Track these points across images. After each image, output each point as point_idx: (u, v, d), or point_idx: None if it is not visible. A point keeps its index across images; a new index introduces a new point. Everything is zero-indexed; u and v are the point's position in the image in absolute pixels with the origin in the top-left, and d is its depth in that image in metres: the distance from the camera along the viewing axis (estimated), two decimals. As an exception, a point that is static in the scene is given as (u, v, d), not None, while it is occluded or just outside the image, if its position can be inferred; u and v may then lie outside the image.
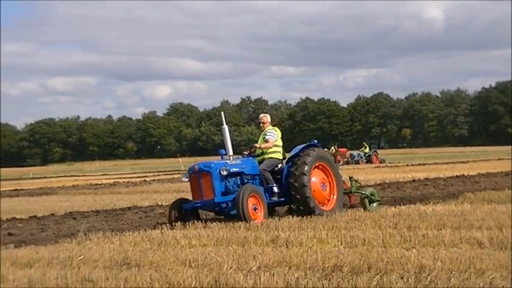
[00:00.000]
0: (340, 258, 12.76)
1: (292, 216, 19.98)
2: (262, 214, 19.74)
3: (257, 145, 21.74)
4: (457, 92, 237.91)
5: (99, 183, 57.41)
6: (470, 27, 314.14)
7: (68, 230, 20.87)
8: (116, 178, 69.30)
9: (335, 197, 21.79)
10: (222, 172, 20.13)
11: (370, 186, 26.38)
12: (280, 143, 21.92)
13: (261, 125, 22.38)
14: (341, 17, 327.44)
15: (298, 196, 20.60)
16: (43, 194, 45.45)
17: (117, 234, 18.47)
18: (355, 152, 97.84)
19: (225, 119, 22.50)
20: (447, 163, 73.67)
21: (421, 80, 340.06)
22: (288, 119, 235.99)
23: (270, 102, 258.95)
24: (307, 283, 10.72)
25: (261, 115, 22.87)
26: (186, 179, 20.94)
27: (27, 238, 19.46)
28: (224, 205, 20.02)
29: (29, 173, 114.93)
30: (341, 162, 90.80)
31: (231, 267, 12.49)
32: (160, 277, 11.89)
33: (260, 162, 21.46)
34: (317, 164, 21.48)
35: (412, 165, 73.10)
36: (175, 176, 62.79)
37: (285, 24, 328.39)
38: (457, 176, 42.34)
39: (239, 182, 20.70)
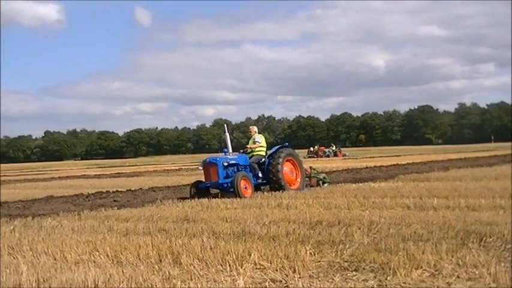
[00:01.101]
0: (321, 216, 12.72)
1: (274, 191, 20.28)
2: (250, 191, 19.71)
3: (248, 146, 22.15)
4: (393, 111, 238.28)
5: (170, 169, 57.39)
6: (401, 72, 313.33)
7: (150, 198, 20.81)
8: (180, 166, 69.25)
9: (299, 180, 21.95)
10: (224, 163, 20.51)
11: (323, 172, 26.02)
12: (264, 144, 22.22)
13: (250, 133, 22.87)
14: (320, 65, 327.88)
15: (274, 178, 20.94)
16: (135, 175, 45.44)
17: (180, 201, 18.43)
18: (326, 150, 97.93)
19: (227, 129, 23.38)
20: (388, 156, 73.52)
21: (370, 104, 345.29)
22: (288, 128, 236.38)
23: (276, 118, 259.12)
24: (300, 232, 10.69)
25: (250, 127, 23.54)
26: (201, 168, 21.30)
27: (125, 203, 19.42)
28: (226, 185, 20.05)
29: (126, 163, 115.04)
30: (322, 155, 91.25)
31: (252, 222, 12.46)
32: (208, 228, 11.88)
33: (251, 157, 21.76)
34: (288, 159, 21.75)
35: (365, 157, 73.02)
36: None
37: (286, 70, 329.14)
38: (393, 164, 42.15)
39: (236, 170, 20.86)
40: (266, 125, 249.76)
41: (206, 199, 18.46)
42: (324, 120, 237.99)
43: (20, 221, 14.91)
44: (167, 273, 7.92)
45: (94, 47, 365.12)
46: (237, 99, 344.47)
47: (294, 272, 7.76)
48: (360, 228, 10.89)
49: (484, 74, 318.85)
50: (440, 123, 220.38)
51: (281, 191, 20.04)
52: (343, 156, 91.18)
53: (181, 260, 8.63)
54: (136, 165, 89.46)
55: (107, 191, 25.07)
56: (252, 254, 8.64)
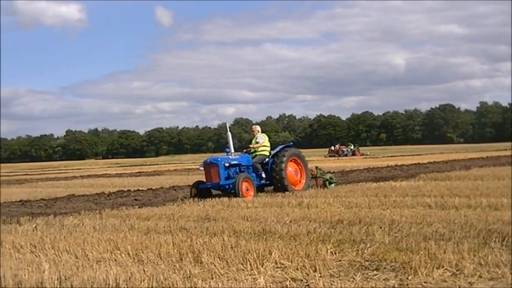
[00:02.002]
0: (342, 215, 12.71)
1: (277, 192, 20.05)
2: (252, 193, 19.36)
3: (251, 146, 21.72)
4: (414, 110, 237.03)
5: (190, 168, 57.45)
6: (421, 70, 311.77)
7: (171, 197, 20.88)
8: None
9: (304, 180, 21.50)
10: (225, 164, 20.10)
11: (330, 172, 25.42)
12: (268, 144, 21.77)
13: (252, 133, 22.56)
14: (340, 64, 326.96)
15: (277, 179, 20.53)
16: (156, 174, 45.58)
17: (201, 200, 18.47)
18: (344, 149, 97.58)
19: (229, 129, 22.64)
20: (408, 155, 73.29)
21: (391, 103, 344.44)
22: (308, 127, 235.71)
23: (297, 117, 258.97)
24: (321, 231, 10.68)
25: (253, 127, 23.18)
26: (202, 168, 20.92)
27: (146, 202, 19.49)
28: (227, 186, 19.72)
29: (147, 162, 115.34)
30: (340, 154, 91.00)
31: (272, 221, 12.47)
32: (229, 226, 11.90)
33: (254, 157, 21.30)
34: (292, 159, 21.31)
35: (386, 156, 72.83)
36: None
37: (305, 68, 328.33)
38: (414, 163, 42.06)
39: (238, 171, 20.45)
40: (287, 124, 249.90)
41: (227, 198, 18.48)
42: (344, 119, 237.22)
43: (42, 220, 15.00)
44: (188, 271, 7.93)
45: (115, 47, 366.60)
46: (257, 98, 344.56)
47: (315, 271, 7.75)
48: (380, 227, 10.86)
49: (504, 73, 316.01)
50: (462, 122, 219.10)
51: (285, 192, 19.73)
52: (361, 155, 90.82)
53: (202, 259, 8.64)
54: (157, 164, 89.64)
55: (128, 190, 25.18)
56: (273, 253, 8.64)
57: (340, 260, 8.30)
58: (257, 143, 21.63)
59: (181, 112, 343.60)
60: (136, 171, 56.16)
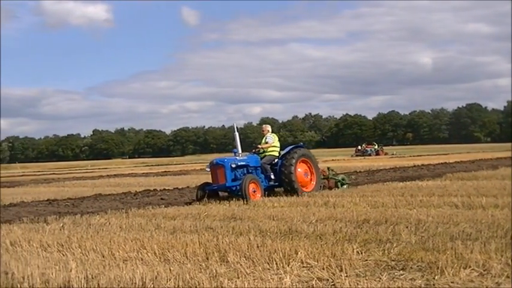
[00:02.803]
0: (368, 215, 12.67)
1: (286, 195, 19.22)
2: (260, 195, 18.78)
3: (260, 146, 21.10)
4: (441, 109, 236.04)
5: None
6: (448, 69, 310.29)
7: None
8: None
9: (314, 182, 20.90)
10: (231, 165, 19.46)
11: (342, 173, 25.17)
12: (277, 144, 21.09)
13: (262, 132, 21.75)
14: (366, 63, 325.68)
15: (287, 180, 19.92)
16: (182, 174, 45.72)
17: (227, 200, 18.49)
18: (368, 148, 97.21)
19: (236, 129, 21.86)
20: (435, 155, 72.95)
21: (417, 102, 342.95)
22: (334, 127, 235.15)
23: (323, 117, 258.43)
24: (347, 230, 10.66)
25: (263, 126, 22.11)
26: (208, 169, 20.32)
27: (173, 201, 19.57)
28: (234, 188, 19.04)
29: (173, 161, 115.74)
30: (383, 154, 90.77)
31: (298, 220, 12.46)
32: (255, 226, 11.90)
33: (263, 157, 20.69)
34: (302, 159, 20.70)
35: (412, 156, 72.58)
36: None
37: (331, 68, 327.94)
38: (441, 163, 41.86)
39: (245, 172, 19.87)
40: (313, 123, 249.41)
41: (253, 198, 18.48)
42: (370, 119, 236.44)
43: (69, 219, 15.11)
44: (214, 271, 7.94)
45: (141, 46, 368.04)
46: (283, 98, 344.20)
47: (341, 270, 7.73)
48: (407, 227, 10.82)
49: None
50: (489, 121, 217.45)
51: (294, 195, 19.19)
52: (385, 154, 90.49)
53: (228, 258, 8.66)
54: (183, 164, 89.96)
55: (154, 189, 25.29)
56: (299, 253, 8.63)
57: (366, 260, 8.28)
58: (266, 143, 21.05)
59: (208, 111, 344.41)
60: (163, 170, 56.36)
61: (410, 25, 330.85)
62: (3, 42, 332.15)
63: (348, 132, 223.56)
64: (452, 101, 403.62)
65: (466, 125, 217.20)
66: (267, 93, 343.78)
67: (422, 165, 39.35)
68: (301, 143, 22.31)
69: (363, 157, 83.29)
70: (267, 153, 20.79)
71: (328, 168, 22.81)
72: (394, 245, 9.06)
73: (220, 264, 8.45)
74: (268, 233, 10.96)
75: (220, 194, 19.85)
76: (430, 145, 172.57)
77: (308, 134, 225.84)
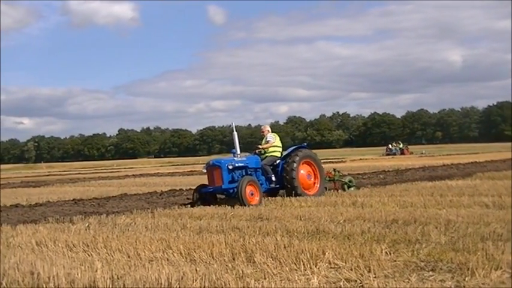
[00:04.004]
0: (396, 215, 12.62)
1: (289, 197, 18.68)
2: (258, 198, 17.94)
3: (260, 146, 20.39)
4: (470, 108, 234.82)
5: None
6: (478, 67, 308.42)
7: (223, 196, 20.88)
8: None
9: (318, 185, 20.11)
10: (228, 166, 18.73)
11: (349, 175, 24.32)
12: (279, 144, 20.45)
13: (262, 133, 21.09)
14: (394, 61, 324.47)
15: (289, 185, 19.28)
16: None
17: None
18: (392, 147, 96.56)
19: (234, 128, 20.89)
20: (465, 154, 72.50)
21: (446, 101, 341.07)
22: (362, 126, 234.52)
23: (351, 115, 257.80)
24: (375, 231, 10.62)
25: (262, 127, 21.63)
26: (205, 171, 19.52)
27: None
28: (231, 191, 18.31)
29: (199, 161, 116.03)
30: (409, 153, 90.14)
31: (326, 220, 12.44)
32: (282, 226, 11.90)
33: (264, 158, 19.94)
34: (305, 161, 20.03)
35: (442, 155, 72.20)
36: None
37: (359, 66, 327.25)
38: (471, 162, 41.61)
39: (244, 174, 19.08)
40: (340, 122, 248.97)
41: (280, 197, 18.48)
42: (399, 117, 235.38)
43: (95, 219, 15.19)
44: (240, 271, 7.94)
45: (168, 45, 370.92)
46: (310, 96, 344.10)
47: (369, 271, 7.70)
48: (436, 227, 10.76)
49: None
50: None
51: (298, 196, 18.70)
52: (410, 154, 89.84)
53: (255, 259, 8.66)
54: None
55: (180, 189, 25.34)
56: (327, 253, 8.62)
57: (395, 261, 8.25)
58: (267, 142, 20.40)
59: (234, 110, 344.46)
60: (189, 170, 56.44)
61: (439, 22, 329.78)
62: (30, 42, 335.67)
63: (376, 131, 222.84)
64: (482, 99, 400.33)
65: (497, 123, 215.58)
66: (294, 92, 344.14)
67: (452, 164, 39.12)
68: (304, 143, 21.89)
69: (391, 156, 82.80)
70: (268, 154, 20.17)
71: (334, 169, 22.17)
72: (424, 245, 9.02)
73: (247, 265, 8.45)
74: (295, 233, 10.95)
75: (219, 197, 19.33)
76: (460, 144, 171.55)
77: (335, 133, 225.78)
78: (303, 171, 19.87)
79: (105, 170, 74.70)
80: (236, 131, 20.41)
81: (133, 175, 47.99)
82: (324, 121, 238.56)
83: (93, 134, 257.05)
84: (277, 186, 19.68)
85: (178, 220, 13.99)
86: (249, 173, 19.34)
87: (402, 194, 17.88)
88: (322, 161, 21.98)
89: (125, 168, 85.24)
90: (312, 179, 20.15)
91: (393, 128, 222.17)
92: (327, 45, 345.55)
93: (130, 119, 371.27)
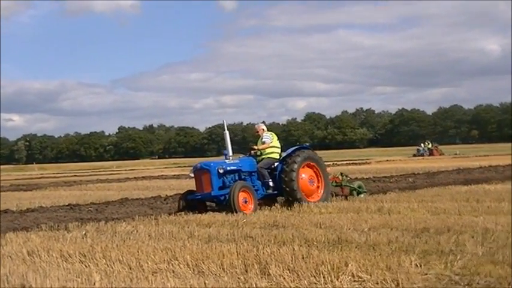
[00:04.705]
0: (427, 223, 12.62)
1: (288, 206, 18.24)
2: (252, 206, 17.63)
3: (255, 147, 19.70)
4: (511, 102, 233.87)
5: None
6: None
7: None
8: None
9: (322, 191, 19.49)
10: (219, 170, 18.31)
11: (358, 179, 24.41)
12: (277, 144, 19.87)
13: (257, 133, 20.40)
14: (423, 52, 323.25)
15: (287, 189, 18.49)
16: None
17: (268, 205, 18.50)
18: (420, 147, 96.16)
19: (226, 126, 20.20)
20: (504, 154, 72.25)
21: (483, 95, 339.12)
22: (389, 123, 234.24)
23: (376, 112, 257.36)
24: (404, 240, 10.62)
25: (256, 126, 21.00)
26: (192, 175, 19.24)
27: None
28: (222, 197, 18.04)
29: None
30: (439, 154, 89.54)
31: (349, 228, 12.46)
32: (299, 234, 11.91)
33: (260, 161, 19.38)
34: (307, 163, 19.29)
35: (478, 156, 72.06)
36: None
37: (384, 57, 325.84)
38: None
39: (237, 178, 18.64)
40: (364, 119, 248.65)
41: (297, 203, 18.47)
42: (429, 114, 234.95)
43: (92, 226, 15.25)
44: (254, 285, 7.96)
45: (171, 34, 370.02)
46: (330, 91, 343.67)
47: (397, 285, 7.71)
48: (472, 237, 10.75)
49: None
50: None
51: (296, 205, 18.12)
52: (440, 155, 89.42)
53: (270, 271, 8.67)
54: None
55: (186, 193, 25.34)
56: (349, 265, 8.61)
57: (426, 274, 8.24)
58: (263, 143, 19.68)
59: (246, 106, 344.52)
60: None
61: (473, 8, 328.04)
62: (20, 31, 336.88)
63: (404, 129, 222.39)
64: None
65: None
66: (312, 86, 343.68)
67: (490, 166, 39.03)
68: (306, 144, 21.28)
69: (423, 157, 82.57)
70: (264, 156, 19.55)
71: (341, 173, 21.74)
72: (458, 257, 9.01)
73: (261, 278, 8.46)
74: (314, 243, 10.97)
75: (209, 204, 19.05)
76: (499, 143, 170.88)
77: (359, 132, 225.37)
78: (305, 176, 19.25)
79: (103, 172, 74.86)
80: (228, 129, 20.03)
81: (134, 178, 48.11)
82: (346, 118, 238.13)
83: (90, 133, 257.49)
84: (275, 192, 19.21)
85: (185, 228, 14.03)
86: (243, 177, 18.87)
87: (434, 199, 17.87)
88: (344, 162, 22.02)
89: (125, 170, 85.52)
90: (315, 184, 19.55)
91: (423, 126, 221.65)
92: (348, 34, 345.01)
93: (131, 115, 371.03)
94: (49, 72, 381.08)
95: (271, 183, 19.02)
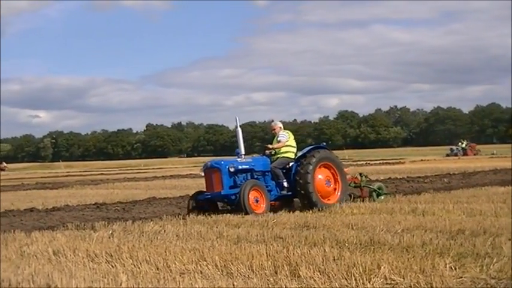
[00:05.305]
0: (463, 224, 12.56)
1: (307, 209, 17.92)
2: (264, 205, 17.55)
3: (270, 146, 19.49)
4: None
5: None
6: None
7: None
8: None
9: (339, 192, 19.10)
10: (230, 169, 18.14)
11: (378, 181, 24.02)
12: (293, 143, 19.50)
13: (273, 131, 20.08)
14: (462, 48, 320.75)
15: (302, 192, 18.10)
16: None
17: (299, 205, 18.49)
18: (454, 147, 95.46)
19: (238, 123, 20.24)
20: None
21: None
22: (424, 122, 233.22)
23: (411, 110, 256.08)
24: (438, 242, 10.58)
25: (272, 124, 20.73)
26: (202, 173, 19.01)
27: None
28: (233, 197, 17.76)
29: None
30: (473, 154, 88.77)
31: (381, 230, 12.42)
32: (330, 235, 11.90)
33: (275, 160, 19.12)
34: (323, 163, 18.91)
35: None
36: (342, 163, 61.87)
37: (421, 53, 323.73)
38: (551, 165, 41.15)
39: (249, 178, 18.45)
40: (399, 117, 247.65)
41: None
42: (467, 112, 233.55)
43: (119, 225, 15.31)
44: (283, 286, 7.97)
45: (202, 30, 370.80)
46: (364, 88, 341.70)
47: (431, 288, 7.68)
48: (509, 239, 10.68)
49: None
50: None
51: (313, 209, 17.70)
52: (474, 154, 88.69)
53: (300, 272, 8.67)
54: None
55: (215, 193, 25.38)
56: (382, 267, 8.60)
57: (461, 277, 8.20)
58: (279, 142, 19.43)
59: (278, 104, 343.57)
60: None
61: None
62: (48, 25, 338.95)
63: (439, 128, 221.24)
64: None
65: None
66: (346, 83, 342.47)
67: (529, 166, 38.73)
68: (323, 143, 20.86)
69: (457, 157, 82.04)
70: (279, 155, 19.28)
71: (360, 174, 21.41)
72: (494, 260, 8.96)
73: (291, 280, 8.47)
74: (346, 244, 10.95)
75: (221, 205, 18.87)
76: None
77: (393, 130, 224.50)
78: (321, 176, 18.88)
79: (131, 171, 75.23)
80: (240, 127, 20.05)
81: (162, 176, 48.22)
82: (380, 116, 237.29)
83: (118, 130, 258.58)
84: (290, 193, 18.87)
85: (214, 228, 14.07)
86: (256, 177, 18.74)
87: (469, 200, 17.78)
88: (377, 161, 21.87)
89: (153, 168, 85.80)
90: (332, 185, 19.19)
91: (459, 125, 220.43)
92: (384, 29, 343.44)
93: (160, 112, 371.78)
94: (77, 67, 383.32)
95: (285, 184, 18.74)
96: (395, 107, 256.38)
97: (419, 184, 26.48)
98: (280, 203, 18.94)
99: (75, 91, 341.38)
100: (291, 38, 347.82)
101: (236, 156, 19.07)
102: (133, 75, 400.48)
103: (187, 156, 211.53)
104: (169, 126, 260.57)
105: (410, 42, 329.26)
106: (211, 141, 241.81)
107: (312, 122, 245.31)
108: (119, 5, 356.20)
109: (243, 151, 19.22)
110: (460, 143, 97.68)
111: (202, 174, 18.95)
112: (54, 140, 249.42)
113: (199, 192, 18.94)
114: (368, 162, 58.71)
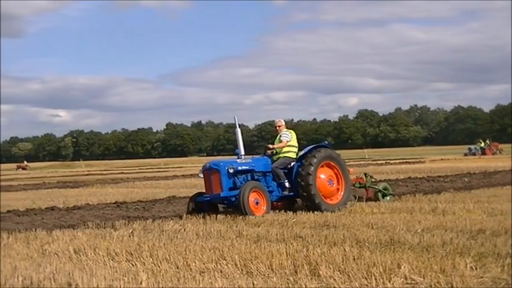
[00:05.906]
0: (484, 224, 12.52)
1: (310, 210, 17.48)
2: (265, 207, 17.17)
3: (271, 145, 19.09)
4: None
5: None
6: None
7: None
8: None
9: (342, 192, 18.50)
10: (229, 170, 17.68)
11: (383, 181, 23.91)
12: (295, 143, 19.01)
13: (277, 128, 19.55)
14: (482, 46, 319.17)
15: (304, 193, 17.73)
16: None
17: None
18: (472, 146, 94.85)
19: (237, 123, 19.89)
20: None
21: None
22: (444, 121, 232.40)
23: (431, 109, 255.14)
24: (459, 242, 10.55)
25: (277, 120, 19.94)
26: (201, 175, 18.57)
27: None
28: (233, 199, 17.43)
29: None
30: (491, 153, 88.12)
31: (402, 229, 12.39)
32: (350, 235, 11.89)
33: (276, 160, 18.71)
34: (325, 163, 18.44)
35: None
36: (361, 162, 62.04)
37: (440, 52, 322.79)
38: None
39: (249, 179, 18.01)
40: (418, 116, 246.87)
41: (348, 202, 18.41)
42: (487, 111, 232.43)
43: (140, 224, 15.34)
44: (303, 286, 7.96)
45: (221, 29, 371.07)
46: (383, 87, 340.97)
47: (452, 288, 7.65)
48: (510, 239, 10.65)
49: None
50: None
51: (315, 211, 17.33)
52: (492, 154, 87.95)
53: (320, 272, 8.66)
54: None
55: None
56: (402, 267, 8.57)
57: (482, 277, 8.17)
58: (280, 141, 19.01)
59: (297, 103, 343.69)
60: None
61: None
62: (67, 25, 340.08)
63: (459, 127, 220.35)
64: None
65: None
66: (365, 82, 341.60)
67: (549, 166, 38.53)
68: (325, 142, 20.39)
69: (477, 156, 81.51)
70: (280, 155, 18.87)
71: (365, 174, 21.29)
72: (515, 260, 8.92)
73: (311, 279, 8.46)
74: (366, 244, 10.94)
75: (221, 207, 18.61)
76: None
77: (413, 129, 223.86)
78: (323, 176, 18.46)
79: (151, 170, 75.38)
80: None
81: (182, 175, 48.22)
82: (400, 116, 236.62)
83: (138, 129, 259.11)
84: (292, 194, 18.44)
85: (233, 227, 14.08)
86: (256, 177, 18.28)
87: (490, 200, 17.72)
88: (397, 160, 21.78)
89: (173, 167, 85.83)
90: (335, 186, 18.70)
91: (480, 124, 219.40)
92: (403, 28, 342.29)
93: (179, 112, 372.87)
94: (96, 67, 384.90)
95: (287, 184, 18.32)
96: (415, 106, 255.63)
97: (440, 183, 26.39)
98: (284, 204, 18.69)
99: (94, 90, 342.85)
100: (309, 37, 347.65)
101: (236, 157, 18.73)
102: (152, 75, 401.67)
103: (207, 155, 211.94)
104: (189, 125, 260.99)
105: (429, 41, 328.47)
106: (231, 140, 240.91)
107: (332, 121, 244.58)
108: (138, 5, 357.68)
109: (242, 151, 18.77)
110: (479, 143, 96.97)
111: (201, 175, 18.56)
112: (74, 139, 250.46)
113: (199, 194, 18.62)
114: (388, 161, 58.70)
